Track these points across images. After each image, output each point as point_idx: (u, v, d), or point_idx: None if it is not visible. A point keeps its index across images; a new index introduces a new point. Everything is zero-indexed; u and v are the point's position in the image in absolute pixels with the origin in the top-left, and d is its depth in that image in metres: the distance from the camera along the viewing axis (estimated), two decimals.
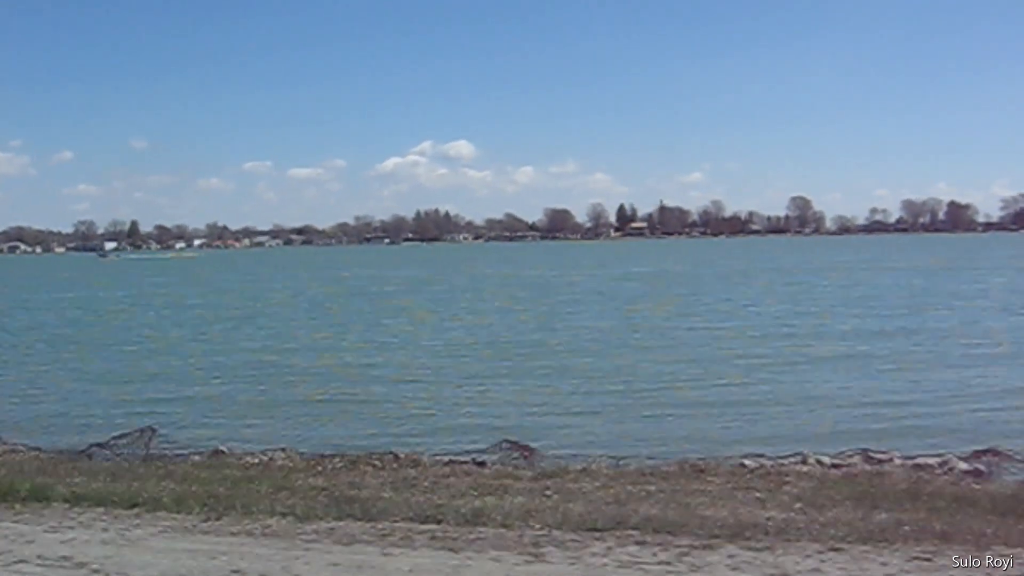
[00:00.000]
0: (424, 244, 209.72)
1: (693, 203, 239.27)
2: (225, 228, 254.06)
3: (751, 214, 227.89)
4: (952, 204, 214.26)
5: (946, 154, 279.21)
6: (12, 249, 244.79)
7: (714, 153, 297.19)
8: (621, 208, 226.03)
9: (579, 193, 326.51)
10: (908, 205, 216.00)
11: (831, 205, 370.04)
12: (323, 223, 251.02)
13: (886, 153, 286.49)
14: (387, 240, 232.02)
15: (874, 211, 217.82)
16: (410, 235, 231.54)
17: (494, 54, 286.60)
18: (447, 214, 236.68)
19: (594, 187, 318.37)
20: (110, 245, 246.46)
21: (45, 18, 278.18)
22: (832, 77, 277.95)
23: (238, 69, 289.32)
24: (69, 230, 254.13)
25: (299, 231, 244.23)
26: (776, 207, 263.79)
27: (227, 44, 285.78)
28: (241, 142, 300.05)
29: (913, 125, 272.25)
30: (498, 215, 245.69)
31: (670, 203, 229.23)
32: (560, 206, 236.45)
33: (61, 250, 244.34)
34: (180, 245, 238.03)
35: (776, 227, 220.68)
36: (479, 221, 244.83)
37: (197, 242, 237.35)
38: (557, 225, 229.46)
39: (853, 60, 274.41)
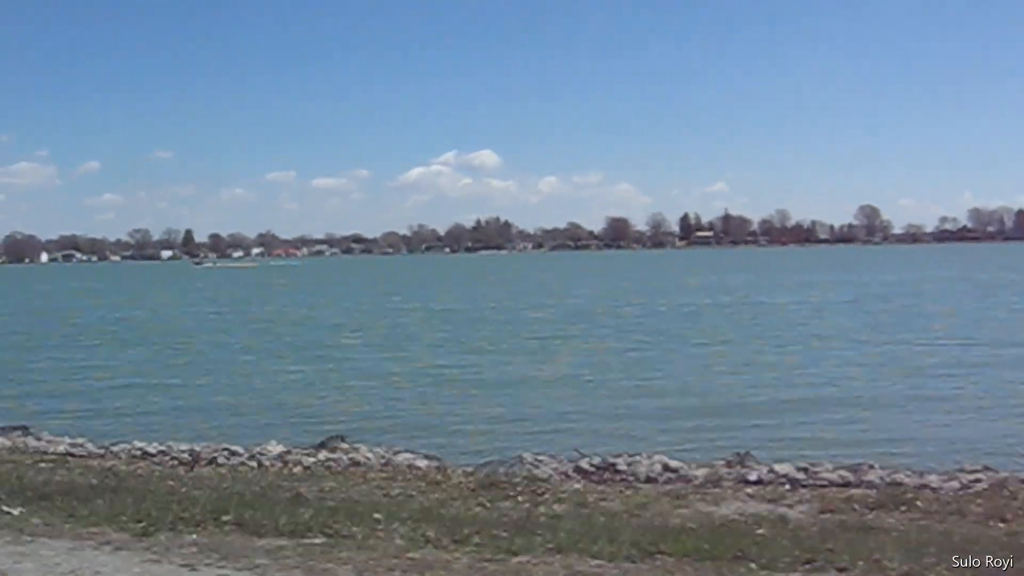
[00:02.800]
0: (491, 253, 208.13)
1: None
2: (274, 236, 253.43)
3: (814, 223, 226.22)
4: (1021, 213, 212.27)
5: (969, 163, 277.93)
6: (67, 258, 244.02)
7: (737, 163, 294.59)
8: (685, 217, 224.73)
9: (601, 203, 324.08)
10: (976, 214, 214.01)
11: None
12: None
13: (907, 164, 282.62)
14: (447, 249, 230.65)
15: (944, 219, 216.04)
16: (470, 244, 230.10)
17: (519, 64, 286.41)
18: (507, 223, 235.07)
19: (617, 197, 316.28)
20: (166, 254, 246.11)
21: (70, 30, 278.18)
22: (858, 83, 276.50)
23: (262, 80, 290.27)
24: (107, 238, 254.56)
25: (356, 240, 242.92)
26: (834, 215, 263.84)
27: (250, 55, 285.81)
28: (264, 152, 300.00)
29: (940, 133, 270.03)
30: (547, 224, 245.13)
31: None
32: (618, 215, 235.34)
33: (116, 258, 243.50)
34: (238, 254, 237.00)
35: (842, 236, 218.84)
36: (530, 229, 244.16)
37: (255, 251, 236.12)
38: (618, 234, 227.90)
39: (861, 65, 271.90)
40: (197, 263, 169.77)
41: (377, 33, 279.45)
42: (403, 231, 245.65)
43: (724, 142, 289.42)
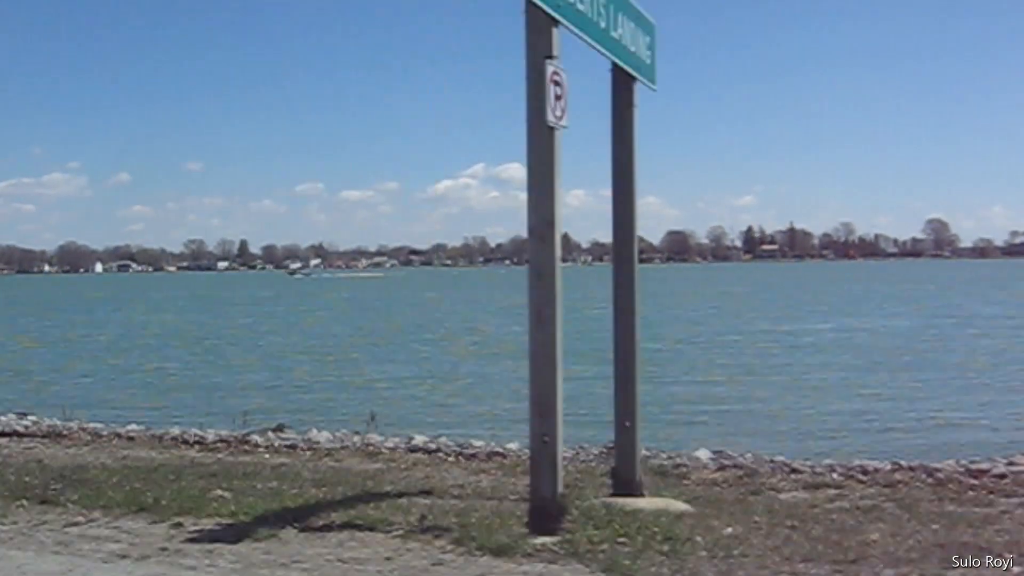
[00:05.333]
0: (566, 265, 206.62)
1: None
2: (324, 248, 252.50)
3: (877, 236, 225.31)
4: None
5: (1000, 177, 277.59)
6: (122, 268, 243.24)
7: (765, 176, 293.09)
8: (750, 230, 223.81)
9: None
10: None
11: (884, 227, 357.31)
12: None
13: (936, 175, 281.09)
14: (507, 261, 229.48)
15: (1015, 233, 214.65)
16: (527, 257, 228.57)
17: None
18: (566, 235, 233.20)
19: (643, 209, 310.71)
20: (222, 264, 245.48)
21: (101, 42, 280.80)
22: (886, 94, 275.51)
23: (291, 92, 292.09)
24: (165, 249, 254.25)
25: (415, 252, 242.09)
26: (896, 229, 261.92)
27: (280, 67, 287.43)
28: (294, 164, 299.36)
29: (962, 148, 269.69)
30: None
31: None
32: (679, 228, 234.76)
33: (172, 269, 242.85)
34: (296, 265, 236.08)
35: (908, 250, 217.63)
36: (584, 242, 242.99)
37: (313, 262, 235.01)
38: (679, 248, 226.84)
39: (885, 77, 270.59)
40: (290, 273, 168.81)
41: (406, 45, 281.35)
42: (454, 243, 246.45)
43: (752, 155, 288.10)
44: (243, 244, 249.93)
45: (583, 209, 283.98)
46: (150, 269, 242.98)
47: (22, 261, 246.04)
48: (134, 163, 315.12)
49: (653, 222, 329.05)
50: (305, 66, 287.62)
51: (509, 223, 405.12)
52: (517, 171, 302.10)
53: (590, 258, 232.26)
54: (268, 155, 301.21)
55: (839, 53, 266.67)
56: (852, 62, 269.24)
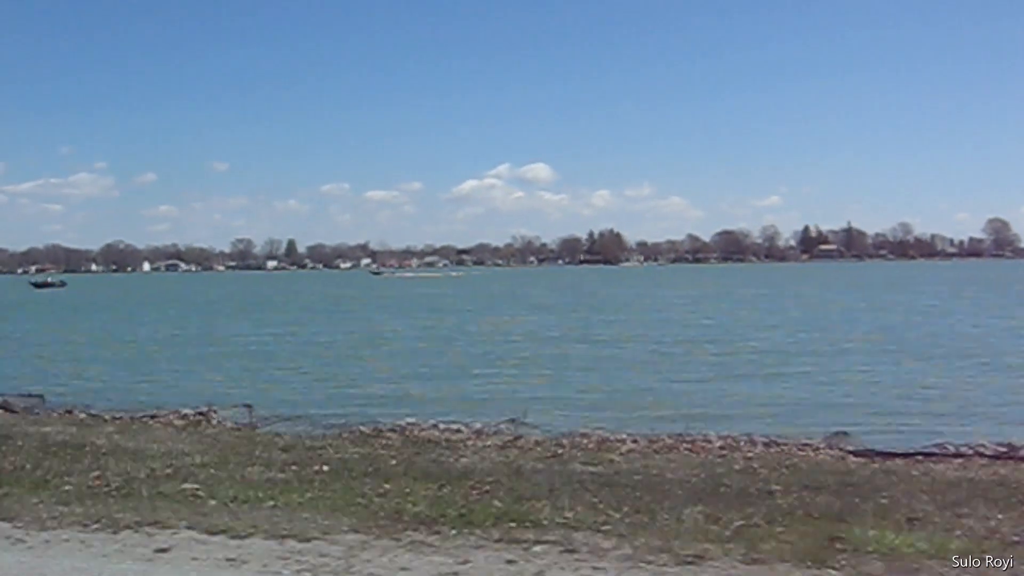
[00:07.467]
0: (631, 266, 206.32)
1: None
2: (372, 249, 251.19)
3: (933, 236, 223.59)
4: None
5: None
6: (171, 268, 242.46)
7: (791, 177, 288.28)
8: (807, 229, 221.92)
9: (652, 216, 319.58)
10: None
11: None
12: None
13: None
14: (560, 261, 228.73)
15: None
16: (582, 257, 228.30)
17: (572, 76, 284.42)
18: (618, 235, 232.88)
19: (669, 210, 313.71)
20: (270, 264, 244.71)
21: (128, 43, 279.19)
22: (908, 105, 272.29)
23: (317, 91, 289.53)
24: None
25: (464, 251, 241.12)
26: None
27: (305, 67, 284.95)
28: (319, 164, 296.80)
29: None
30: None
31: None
32: (730, 227, 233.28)
33: (221, 268, 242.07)
34: (346, 264, 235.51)
35: (967, 250, 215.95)
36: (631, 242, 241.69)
37: (364, 261, 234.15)
38: (734, 247, 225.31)
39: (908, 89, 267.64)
40: (375, 273, 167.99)
41: (430, 46, 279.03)
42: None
43: (778, 156, 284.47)
44: (291, 243, 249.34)
45: (609, 209, 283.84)
46: (198, 268, 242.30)
47: (68, 260, 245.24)
48: (160, 163, 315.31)
49: (677, 223, 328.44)
50: (329, 65, 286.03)
51: (534, 223, 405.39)
52: (541, 170, 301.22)
53: (643, 258, 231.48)
54: (293, 155, 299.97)
55: (861, 54, 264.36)
56: (869, 64, 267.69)
